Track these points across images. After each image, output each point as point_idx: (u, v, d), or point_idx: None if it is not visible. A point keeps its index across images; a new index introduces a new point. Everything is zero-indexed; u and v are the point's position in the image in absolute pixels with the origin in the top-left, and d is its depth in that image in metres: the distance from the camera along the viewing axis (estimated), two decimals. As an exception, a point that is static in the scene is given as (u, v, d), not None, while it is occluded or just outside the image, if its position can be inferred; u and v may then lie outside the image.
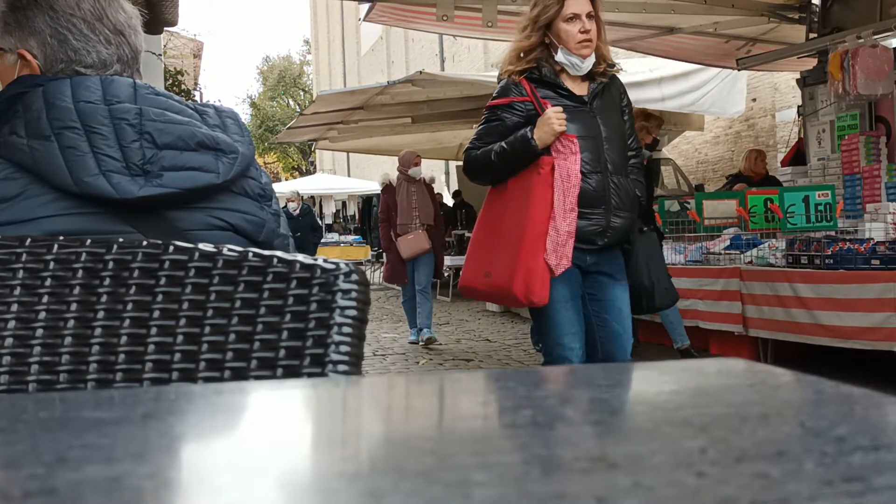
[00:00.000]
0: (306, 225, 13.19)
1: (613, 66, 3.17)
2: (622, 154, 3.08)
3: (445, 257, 12.42)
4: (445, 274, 12.95)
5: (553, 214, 2.91)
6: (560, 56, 3.02)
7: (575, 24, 3.00)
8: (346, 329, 0.96)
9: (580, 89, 3.07)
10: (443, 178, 23.88)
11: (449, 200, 15.47)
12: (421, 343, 7.67)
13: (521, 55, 3.08)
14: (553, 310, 2.98)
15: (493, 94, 3.13)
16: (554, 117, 2.92)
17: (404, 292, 8.07)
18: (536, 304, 2.93)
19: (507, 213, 3.02)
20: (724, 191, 7.78)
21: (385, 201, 8.00)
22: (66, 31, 1.34)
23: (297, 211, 13.18)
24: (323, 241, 19.37)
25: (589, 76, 3.07)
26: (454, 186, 16.40)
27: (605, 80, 3.10)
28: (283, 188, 17.39)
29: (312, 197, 24.17)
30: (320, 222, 22.95)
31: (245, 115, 45.60)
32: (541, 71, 3.03)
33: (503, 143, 2.98)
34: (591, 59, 3.04)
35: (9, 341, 1.02)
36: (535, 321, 3.17)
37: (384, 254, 8.33)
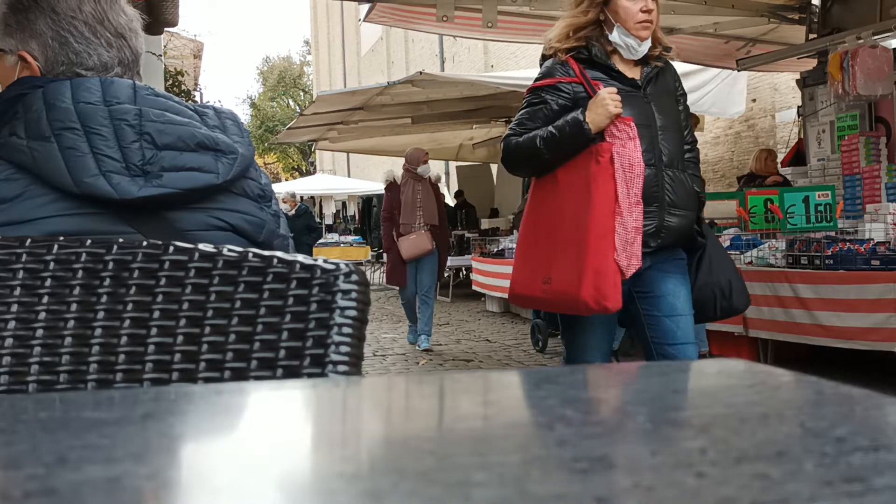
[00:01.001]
0: (301, 226, 13.18)
1: (669, 50, 2.86)
2: (678, 145, 2.78)
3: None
4: (446, 275, 12.89)
5: (619, 209, 2.59)
6: (615, 36, 2.73)
7: (637, 2, 2.73)
8: (346, 329, 0.96)
9: (632, 73, 2.78)
10: (443, 178, 23.85)
11: (450, 201, 15.46)
12: (419, 347, 7.48)
13: (572, 33, 2.76)
14: (585, 327, 2.74)
15: (538, 75, 2.82)
16: (609, 98, 2.62)
17: (402, 294, 7.78)
18: (610, 310, 2.60)
19: (565, 208, 2.68)
20: (739, 190, 7.67)
21: (389, 199, 7.66)
22: (67, 33, 1.34)
23: (293, 212, 13.18)
24: (322, 241, 19.38)
25: (642, 60, 2.79)
26: (454, 187, 16.40)
27: (659, 65, 2.81)
28: (279, 189, 17.39)
29: (312, 197, 24.18)
30: (319, 222, 22.99)
31: (245, 115, 45.63)
32: (590, 51, 2.74)
33: (551, 129, 2.67)
34: (648, 43, 2.76)
35: (9, 342, 1.02)
36: (563, 324, 2.90)
37: (385, 254, 8.02)
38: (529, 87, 2.83)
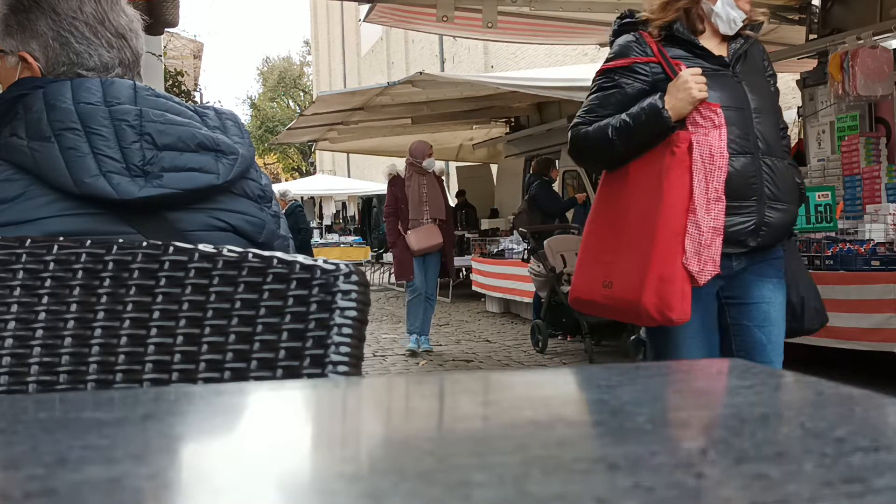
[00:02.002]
0: (289, 226, 13.15)
1: (760, 25, 2.53)
2: (775, 130, 2.46)
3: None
4: (461, 275, 12.76)
5: (693, 206, 2.27)
6: (720, 6, 2.39)
7: None
8: (346, 330, 0.96)
9: (718, 50, 2.44)
10: (443, 177, 23.83)
11: (451, 200, 15.43)
12: (419, 349, 7.25)
13: (670, 3, 2.41)
14: (679, 342, 2.38)
15: (609, 54, 2.49)
16: (692, 80, 2.29)
17: (411, 288, 7.35)
18: (675, 322, 2.28)
19: (632, 205, 2.37)
20: None
21: (393, 194, 7.37)
22: (68, 34, 1.34)
23: (283, 211, 13.18)
24: (323, 241, 19.38)
25: (726, 36, 2.46)
26: (454, 187, 16.41)
27: (751, 35, 2.47)
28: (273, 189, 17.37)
29: (312, 198, 24.19)
30: (313, 223, 22.97)
31: (245, 115, 45.65)
32: (671, 25, 2.40)
33: (624, 116, 2.35)
34: (743, 15, 2.43)
35: (9, 342, 1.02)
36: (652, 340, 2.54)
37: (390, 249, 7.66)
38: (600, 68, 2.48)
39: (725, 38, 2.45)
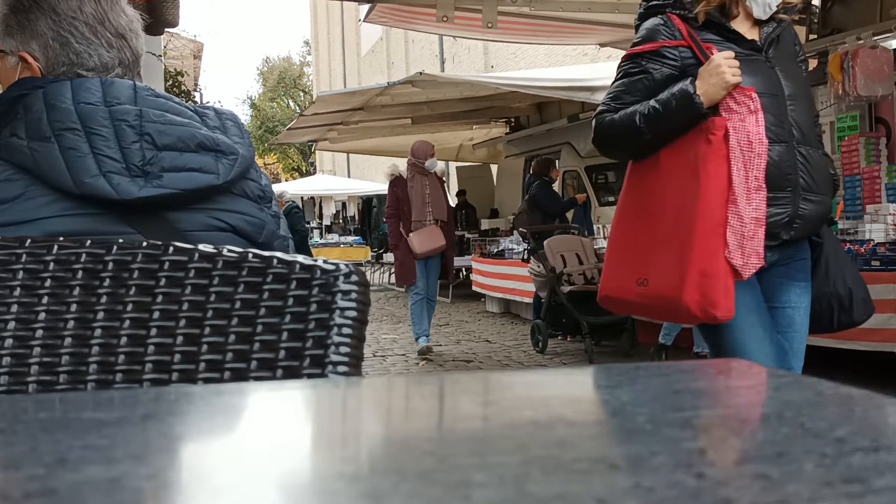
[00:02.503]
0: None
1: (795, 7, 2.43)
2: (810, 118, 2.35)
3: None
4: (461, 275, 12.71)
5: (733, 196, 2.16)
6: None
7: None
8: (345, 330, 0.96)
9: (750, 34, 2.33)
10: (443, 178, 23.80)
11: (451, 200, 15.42)
12: (425, 343, 7.14)
13: None
14: (737, 325, 2.22)
15: (636, 38, 2.37)
16: (725, 64, 2.19)
17: (414, 292, 7.20)
18: (719, 320, 2.17)
19: (665, 197, 2.25)
20: None
21: (394, 195, 7.20)
22: (68, 34, 1.34)
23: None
24: (323, 241, 19.37)
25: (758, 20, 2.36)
26: (454, 187, 16.41)
27: (784, 18, 2.37)
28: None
29: (313, 198, 24.20)
30: (313, 223, 22.95)
31: (245, 115, 45.68)
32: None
33: (653, 103, 2.23)
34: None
35: (9, 342, 1.02)
36: (708, 339, 2.37)
37: (392, 252, 7.43)
38: (626, 52, 2.36)
39: (757, 22, 2.34)
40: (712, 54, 2.23)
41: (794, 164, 2.26)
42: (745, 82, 2.22)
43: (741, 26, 2.33)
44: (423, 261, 7.08)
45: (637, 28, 2.39)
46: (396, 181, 7.27)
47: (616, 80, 2.36)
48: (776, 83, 2.28)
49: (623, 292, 2.34)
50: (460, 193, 15.11)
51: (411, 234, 7.03)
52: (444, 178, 7.67)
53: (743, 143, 2.17)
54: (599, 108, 2.37)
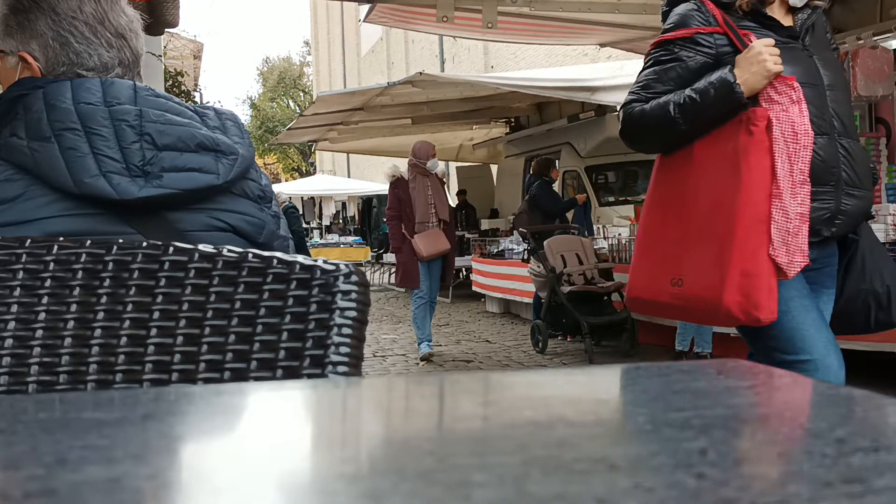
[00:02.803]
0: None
1: None
2: (849, 108, 2.24)
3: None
4: (461, 276, 12.66)
5: (777, 190, 2.03)
6: None
7: None
8: (345, 330, 0.96)
9: (785, 21, 2.23)
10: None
11: (451, 200, 15.39)
12: (427, 350, 6.89)
13: None
14: (791, 313, 2.09)
15: (667, 24, 2.25)
16: (766, 52, 2.07)
17: (417, 296, 6.99)
18: (762, 323, 2.05)
19: (700, 191, 2.13)
20: None
21: (396, 196, 6.99)
22: (67, 34, 1.34)
23: None
24: (322, 241, 19.37)
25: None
26: (454, 187, 16.42)
27: (820, 4, 2.26)
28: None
29: (312, 198, 24.20)
30: (313, 223, 22.94)
31: (245, 116, 45.69)
32: None
33: (689, 92, 2.11)
34: None
35: (9, 342, 1.02)
36: (751, 338, 2.25)
37: (395, 254, 7.21)
38: (656, 39, 2.23)
39: (791, 9, 2.23)
40: (750, 42, 2.12)
41: (836, 157, 2.14)
42: (786, 71, 2.11)
43: (776, 13, 2.22)
44: (426, 264, 6.92)
45: (666, 14, 2.27)
46: (398, 182, 7.07)
47: (645, 68, 2.23)
48: (815, 72, 2.18)
49: (655, 293, 2.21)
50: (460, 193, 15.11)
51: (416, 237, 6.83)
52: (444, 179, 7.50)
53: (787, 135, 2.06)
54: (628, 97, 2.24)
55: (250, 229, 1.34)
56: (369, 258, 17.82)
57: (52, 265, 1.05)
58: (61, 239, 1.07)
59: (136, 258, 1.04)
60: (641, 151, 2.45)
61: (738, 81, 2.08)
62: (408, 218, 6.92)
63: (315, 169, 39.24)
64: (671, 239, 2.19)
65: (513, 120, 14.09)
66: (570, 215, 9.93)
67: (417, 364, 6.80)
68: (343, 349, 0.96)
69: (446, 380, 0.98)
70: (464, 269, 12.69)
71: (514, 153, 13.90)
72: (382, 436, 0.55)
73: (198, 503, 0.39)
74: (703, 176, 2.14)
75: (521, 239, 8.62)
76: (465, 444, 0.49)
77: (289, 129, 14.20)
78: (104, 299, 1.03)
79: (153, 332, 1.02)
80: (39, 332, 1.03)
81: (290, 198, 20.62)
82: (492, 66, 20.19)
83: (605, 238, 7.91)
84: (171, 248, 1.03)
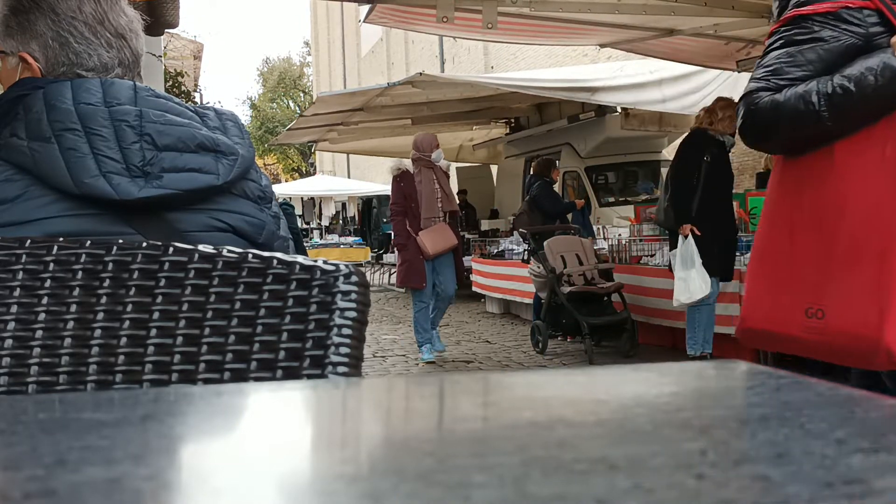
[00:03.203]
0: None
1: None
2: None
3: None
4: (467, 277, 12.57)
5: None
6: None
7: None
8: (345, 331, 0.96)
9: None
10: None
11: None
12: (430, 358, 6.65)
13: None
14: None
15: None
16: None
17: (419, 299, 6.67)
18: None
19: (849, 201, 1.77)
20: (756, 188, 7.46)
21: (401, 190, 6.67)
22: (67, 34, 1.34)
23: None
24: (322, 242, 19.37)
25: None
26: (455, 187, 16.43)
27: None
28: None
29: (312, 198, 24.21)
30: (313, 223, 22.93)
31: (245, 116, 45.72)
32: None
33: (840, 80, 1.76)
34: None
35: (8, 343, 1.02)
36: None
37: (398, 252, 6.87)
38: (787, 14, 1.87)
39: None
40: None
41: None
42: None
43: None
44: (431, 262, 6.60)
45: None
46: (402, 176, 6.73)
47: (772, 48, 1.87)
48: None
49: (782, 325, 1.86)
50: (461, 193, 15.08)
51: (421, 234, 6.50)
52: (448, 173, 7.14)
53: None
54: (752, 85, 1.89)
55: (250, 230, 1.34)
56: (369, 259, 17.82)
57: (51, 265, 1.05)
58: (61, 239, 1.07)
59: (135, 259, 1.03)
60: (766, 150, 2.02)
61: None
62: (413, 214, 6.60)
63: (315, 169, 39.25)
64: (805, 260, 1.82)
65: (513, 120, 14.10)
66: (569, 216, 9.95)
67: (417, 365, 6.80)
68: (343, 350, 0.95)
69: (446, 380, 0.98)
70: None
71: (514, 154, 13.90)
72: (382, 436, 0.55)
73: (197, 504, 0.39)
74: (846, 183, 1.78)
75: (521, 239, 8.62)
76: (464, 445, 0.49)
77: (289, 129, 14.20)
78: (104, 300, 1.03)
79: (153, 332, 1.02)
80: (39, 333, 1.03)
81: (290, 198, 20.64)
82: (492, 67, 20.20)
83: (605, 239, 7.91)
84: (171, 249, 1.03)
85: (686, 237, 5.39)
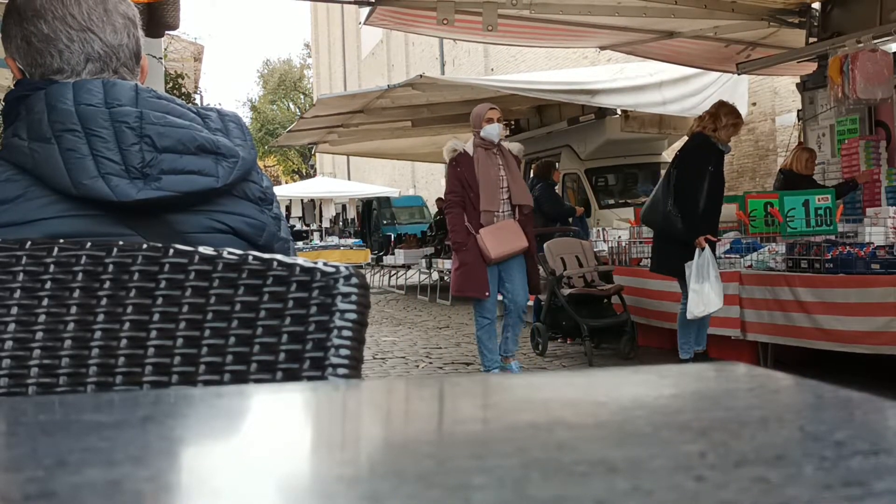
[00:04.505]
0: None
1: None
2: None
3: (445, 260, 12.28)
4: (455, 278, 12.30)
5: None
6: None
7: None
8: (345, 332, 0.96)
9: None
10: (442, 181, 23.83)
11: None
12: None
13: None
14: None
15: None
16: None
17: (482, 313, 5.44)
18: None
19: None
20: (777, 187, 7.29)
21: (458, 176, 5.35)
22: (30, 34, 1.33)
23: None
24: (322, 244, 19.37)
25: None
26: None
27: None
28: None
29: (312, 200, 24.22)
30: (313, 225, 22.92)
31: (246, 118, 45.69)
32: None
33: None
34: None
35: (9, 344, 1.02)
36: None
37: (456, 253, 5.48)
38: None
39: None
40: None
41: None
42: None
43: None
44: (496, 267, 5.36)
45: None
46: (460, 159, 5.38)
47: None
48: None
49: None
50: None
51: (482, 232, 5.24)
52: (520, 158, 5.75)
53: None
54: None
55: (250, 231, 1.34)
56: (369, 261, 17.81)
57: (52, 267, 1.05)
58: (61, 241, 1.07)
59: (136, 260, 1.04)
60: None
61: None
62: (473, 206, 5.32)
63: (315, 171, 39.25)
64: None
65: (513, 122, 14.09)
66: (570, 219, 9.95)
67: (417, 367, 6.80)
68: (343, 351, 0.96)
69: (446, 382, 0.98)
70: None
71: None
72: (382, 438, 0.55)
73: (197, 505, 0.39)
74: None
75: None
76: (464, 447, 0.49)
77: (289, 131, 14.21)
78: (104, 301, 1.03)
79: (153, 334, 1.02)
80: (39, 335, 1.03)
81: (290, 200, 20.63)
82: (492, 69, 20.21)
83: (604, 241, 7.91)
84: (172, 251, 1.03)
85: (702, 250, 5.29)
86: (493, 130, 5.37)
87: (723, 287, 5.35)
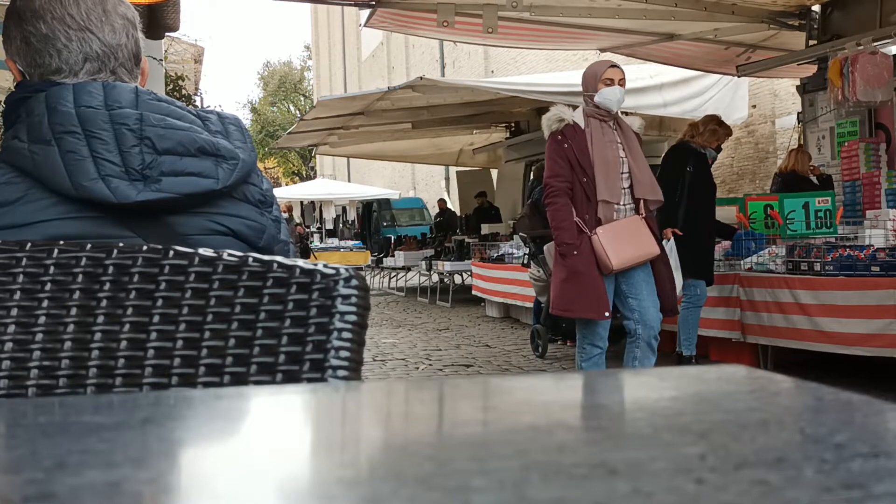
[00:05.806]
0: None
1: None
2: None
3: (445, 262, 12.27)
4: (461, 279, 11.98)
5: None
6: None
7: None
8: (345, 334, 0.96)
9: None
10: (443, 183, 23.88)
11: (471, 203, 15.13)
12: None
13: None
14: None
15: None
16: None
17: (590, 339, 4.04)
18: None
19: None
20: (776, 189, 7.35)
21: (565, 155, 3.87)
22: (29, 34, 1.33)
23: None
24: (322, 245, 19.37)
25: None
26: (455, 192, 16.41)
27: None
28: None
29: (313, 202, 24.22)
30: (313, 227, 22.91)
31: (246, 120, 45.73)
32: None
33: None
34: None
35: (8, 346, 1.02)
36: None
37: (561, 257, 3.97)
38: None
39: None
40: None
41: None
42: None
43: None
44: (613, 278, 3.96)
45: None
46: (568, 132, 3.89)
47: None
48: None
49: None
50: (480, 195, 14.82)
51: (599, 232, 3.82)
52: (640, 134, 4.10)
53: None
54: None
55: (250, 233, 1.34)
56: (369, 262, 17.81)
57: (52, 269, 1.05)
58: (61, 243, 1.07)
59: (136, 262, 1.04)
60: None
61: None
62: (585, 196, 3.88)
63: (315, 173, 39.26)
64: None
65: (513, 125, 14.11)
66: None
67: (417, 369, 6.80)
68: (343, 353, 0.95)
69: (446, 384, 0.98)
70: (462, 274, 12.68)
71: (514, 158, 13.90)
72: (382, 440, 0.55)
73: (197, 507, 0.39)
74: None
75: (521, 243, 8.62)
76: (464, 449, 0.49)
77: (289, 133, 14.22)
78: (104, 303, 1.03)
79: (153, 335, 1.02)
80: (39, 336, 1.03)
81: (290, 201, 20.63)
82: (492, 71, 20.22)
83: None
84: (171, 252, 1.03)
85: (668, 240, 5.44)
86: (614, 95, 3.87)
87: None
